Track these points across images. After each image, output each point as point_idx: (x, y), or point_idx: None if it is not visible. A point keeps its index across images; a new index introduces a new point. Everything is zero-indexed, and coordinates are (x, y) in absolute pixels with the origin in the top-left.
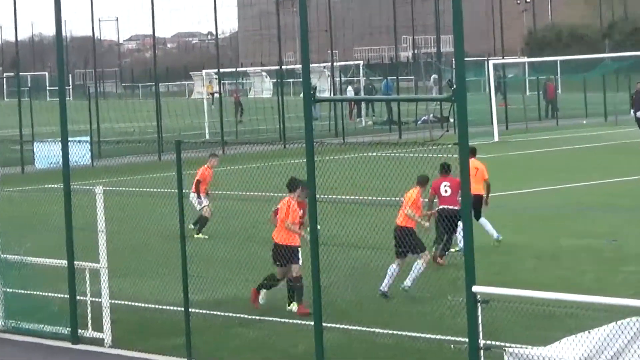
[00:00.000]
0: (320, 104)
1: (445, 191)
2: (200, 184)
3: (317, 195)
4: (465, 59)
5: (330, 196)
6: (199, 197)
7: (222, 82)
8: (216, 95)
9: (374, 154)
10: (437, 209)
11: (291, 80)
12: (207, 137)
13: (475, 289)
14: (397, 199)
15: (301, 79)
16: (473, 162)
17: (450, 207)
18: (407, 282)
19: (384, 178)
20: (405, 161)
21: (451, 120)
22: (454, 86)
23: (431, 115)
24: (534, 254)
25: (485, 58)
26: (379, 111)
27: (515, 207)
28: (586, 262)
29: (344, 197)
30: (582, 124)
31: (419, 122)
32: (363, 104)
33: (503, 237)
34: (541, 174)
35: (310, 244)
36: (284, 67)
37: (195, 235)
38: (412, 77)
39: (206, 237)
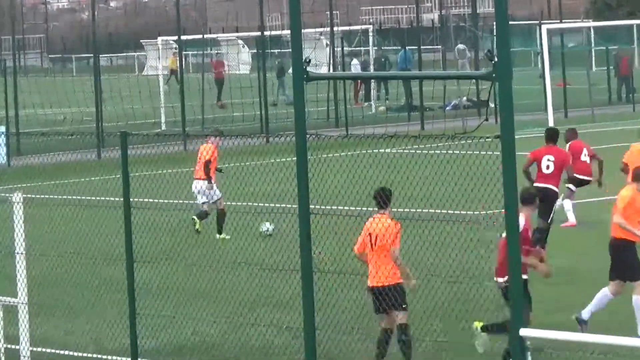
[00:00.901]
0: (317, 84)
1: (547, 167)
2: (210, 165)
3: (311, 207)
4: (511, 22)
5: (327, 207)
6: (210, 182)
7: (184, 53)
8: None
9: (388, 150)
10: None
11: (276, 50)
12: (164, 127)
13: (524, 332)
14: (417, 210)
15: (290, 50)
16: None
17: (550, 186)
18: None
19: (400, 183)
20: (429, 160)
21: (491, 105)
22: (495, 59)
23: (464, 98)
24: (605, 284)
25: (537, 22)
26: (395, 93)
27: (578, 223)
28: None
29: (345, 208)
30: None
31: (447, 108)
32: (373, 83)
33: (564, 261)
34: (612, 179)
35: (301, 270)
36: (266, 33)
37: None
38: (439, 46)
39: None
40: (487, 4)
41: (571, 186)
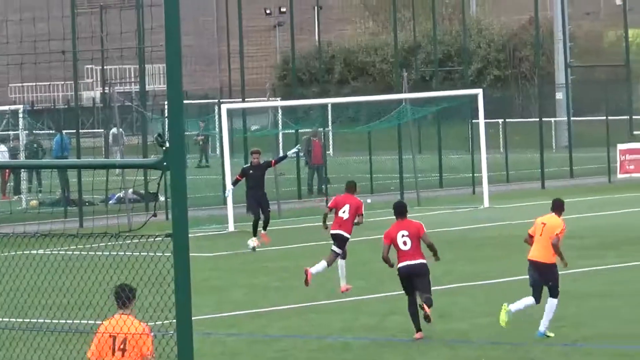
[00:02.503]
0: None
1: (405, 243)
2: None
3: None
4: (185, 101)
5: None
6: None
7: None
8: None
9: (41, 251)
10: None
11: None
12: None
13: None
14: (80, 321)
15: None
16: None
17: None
18: None
19: (55, 290)
20: (89, 262)
21: (162, 198)
22: (167, 145)
23: (130, 191)
24: None
25: (217, 100)
26: (49, 184)
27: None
28: None
29: None
30: (366, 203)
31: (111, 202)
32: (23, 173)
33: None
34: (288, 290)
35: None
36: None
37: None
38: (101, 130)
39: None
40: (158, 80)
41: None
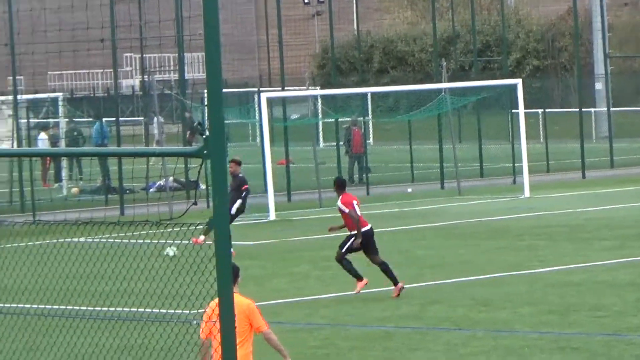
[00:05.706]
0: None
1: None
2: None
3: None
4: (225, 90)
5: (14, 305)
6: None
7: None
8: None
9: (82, 239)
10: None
11: None
12: None
13: None
14: (116, 309)
15: None
16: None
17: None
18: None
19: (97, 277)
20: (130, 250)
21: (202, 186)
22: (207, 133)
23: (170, 179)
24: None
25: (256, 89)
26: (89, 172)
27: None
28: None
29: (34, 306)
30: (407, 193)
31: (151, 190)
32: (64, 161)
33: None
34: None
35: None
36: None
37: None
38: (141, 118)
39: None
40: (197, 69)
41: None
